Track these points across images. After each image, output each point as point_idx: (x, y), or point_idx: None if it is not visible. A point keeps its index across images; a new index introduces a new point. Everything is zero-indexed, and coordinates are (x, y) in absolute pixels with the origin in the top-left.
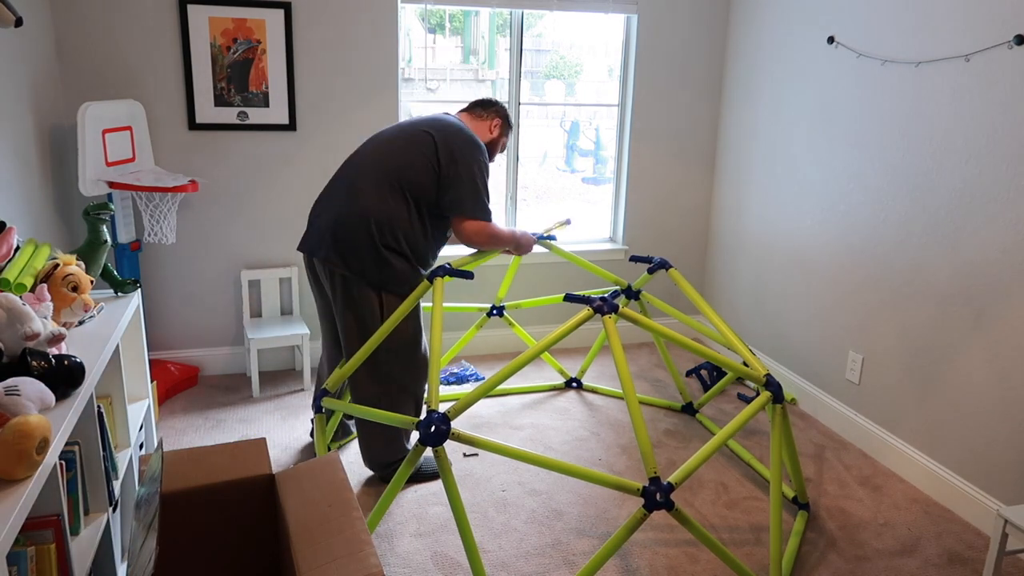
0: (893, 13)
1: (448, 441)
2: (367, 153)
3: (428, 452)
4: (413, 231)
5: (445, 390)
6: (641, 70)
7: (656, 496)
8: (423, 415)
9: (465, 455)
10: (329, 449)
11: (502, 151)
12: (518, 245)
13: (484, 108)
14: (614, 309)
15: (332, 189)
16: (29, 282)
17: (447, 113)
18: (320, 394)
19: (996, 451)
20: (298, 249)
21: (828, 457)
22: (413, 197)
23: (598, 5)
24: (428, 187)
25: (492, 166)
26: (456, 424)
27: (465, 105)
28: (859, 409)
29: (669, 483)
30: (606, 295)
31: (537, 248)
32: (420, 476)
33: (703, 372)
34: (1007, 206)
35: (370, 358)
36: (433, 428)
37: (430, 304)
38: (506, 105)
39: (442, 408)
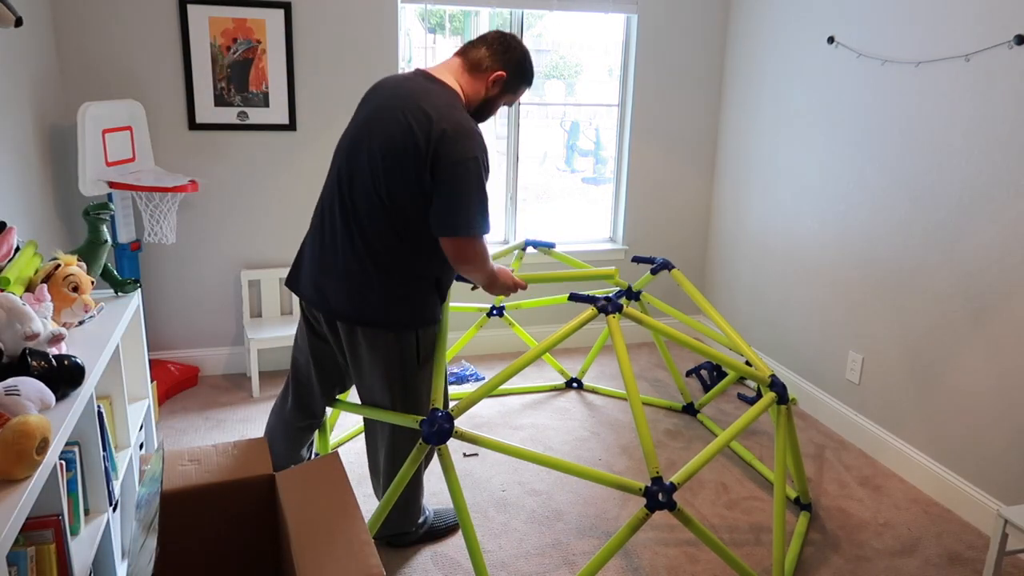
0: (893, 13)
1: (450, 442)
2: None
3: (440, 507)
4: None
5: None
6: (641, 70)
7: (658, 496)
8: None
9: (465, 455)
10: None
11: (508, 105)
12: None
13: (491, 53)
14: (618, 309)
15: None
16: (19, 291)
17: (429, 76)
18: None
19: (996, 451)
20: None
21: (828, 457)
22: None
23: (598, 5)
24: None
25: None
26: (458, 425)
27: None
28: (859, 409)
29: (672, 483)
30: (610, 295)
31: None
32: (435, 533)
33: (703, 372)
34: (1007, 206)
35: None
36: (436, 426)
37: None
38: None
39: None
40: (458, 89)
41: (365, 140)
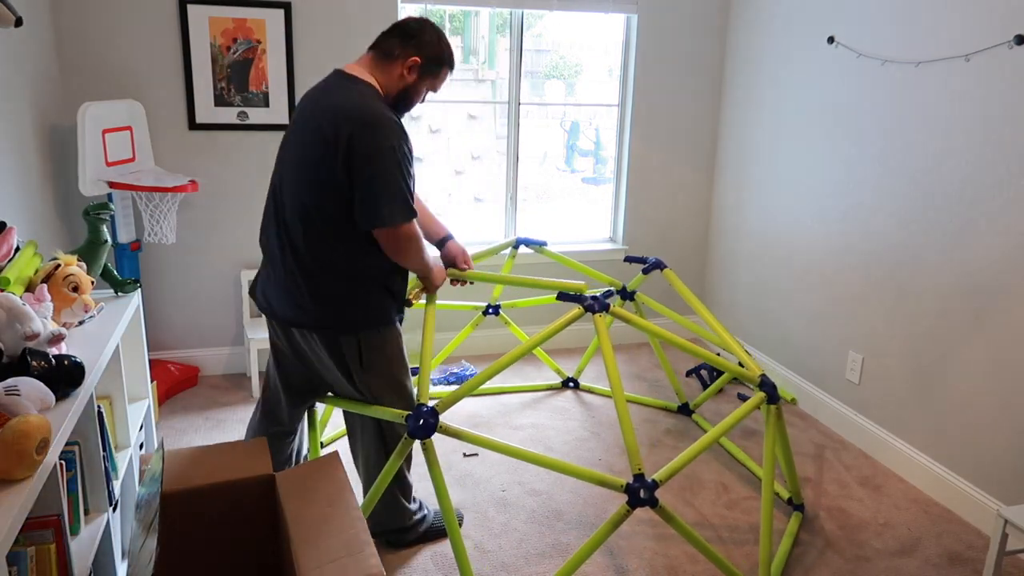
0: (893, 13)
1: (450, 442)
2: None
3: (435, 508)
4: None
5: (445, 390)
6: (641, 70)
7: (640, 493)
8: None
9: (465, 455)
10: (321, 445)
11: (434, 91)
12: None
13: (401, 40)
14: (605, 308)
15: None
16: (19, 291)
17: (344, 75)
18: None
19: (996, 451)
20: None
21: (828, 457)
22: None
23: (598, 5)
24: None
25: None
26: (458, 424)
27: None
28: (859, 409)
29: (654, 480)
30: (597, 294)
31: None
32: (431, 534)
33: (703, 372)
34: (1007, 206)
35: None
36: (422, 421)
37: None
38: (435, 24)
39: (431, 403)
40: (373, 82)
41: (287, 150)
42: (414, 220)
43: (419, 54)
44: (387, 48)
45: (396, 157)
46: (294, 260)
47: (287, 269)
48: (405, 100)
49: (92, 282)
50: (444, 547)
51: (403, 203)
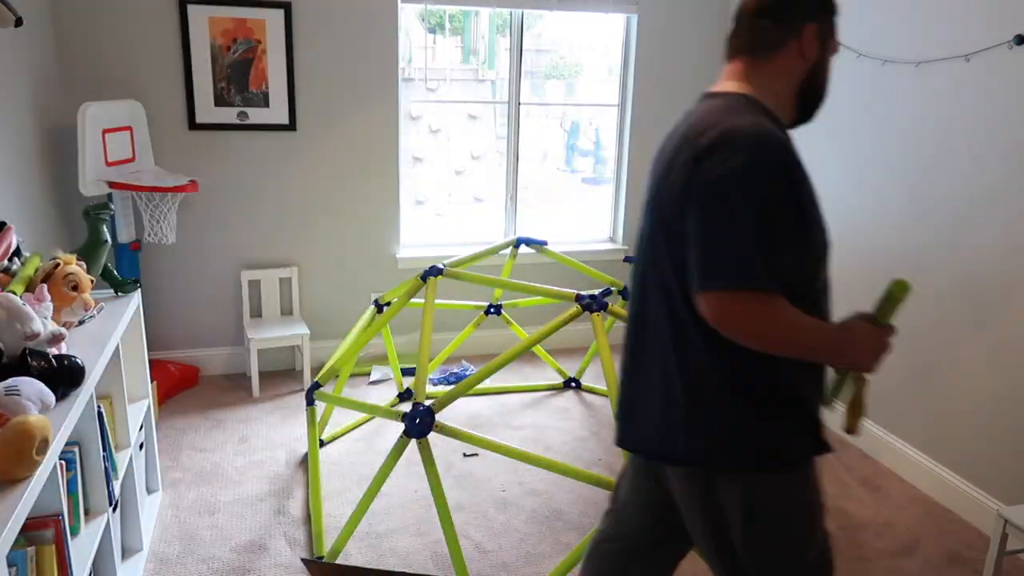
0: (893, 13)
1: (450, 442)
2: None
3: None
4: None
5: (445, 390)
6: (641, 70)
7: None
8: (409, 407)
9: (465, 455)
10: (321, 443)
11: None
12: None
13: (779, 18)
14: (603, 307)
15: None
16: (20, 289)
17: (710, 94)
18: (312, 387)
19: (996, 451)
20: None
21: (828, 457)
22: None
23: (598, 5)
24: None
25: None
26: (459, 424)
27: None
28: None
29: None
30: (595, 292)
31: (528, 249)
32: None
33: None
34: (1007, 206)
35: None
36: (417, 420)
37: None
38: None
39: (427, 402)
40: (743, 90)
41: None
42: (751, 289)
43: (814, 15)
44: (759, 42)
45: (751, 189)
46: (659, 353)
47: (661, 370)
48: (815, 88)
49: (92, 281)
50: (445, 547)
51: (734, 256)
